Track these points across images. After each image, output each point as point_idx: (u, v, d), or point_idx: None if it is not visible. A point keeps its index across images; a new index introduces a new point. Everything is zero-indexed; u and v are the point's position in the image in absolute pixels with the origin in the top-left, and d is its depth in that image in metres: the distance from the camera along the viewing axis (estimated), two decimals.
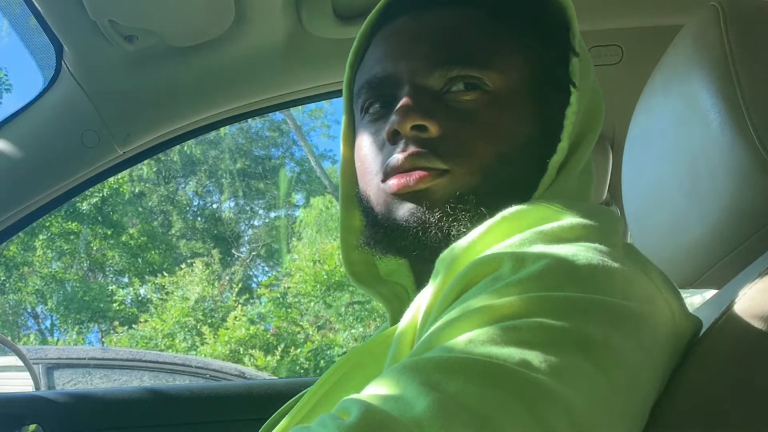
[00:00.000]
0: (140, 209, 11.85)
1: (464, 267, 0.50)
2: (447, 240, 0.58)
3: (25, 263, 10.52)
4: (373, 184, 0.64)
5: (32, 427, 1.24)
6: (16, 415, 1.24)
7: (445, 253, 0.54)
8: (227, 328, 8.60)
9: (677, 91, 0.66)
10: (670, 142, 0.67)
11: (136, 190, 11.84)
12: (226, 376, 3.63)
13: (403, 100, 0.61)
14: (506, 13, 0.64)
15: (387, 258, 0.68)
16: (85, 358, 3.63)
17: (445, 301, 0.49)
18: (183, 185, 12.97)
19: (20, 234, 4.08)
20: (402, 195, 0.60)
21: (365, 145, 0.65)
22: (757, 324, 0.47)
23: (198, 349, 8.70)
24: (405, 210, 0.60)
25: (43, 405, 1.27)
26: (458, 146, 0.60)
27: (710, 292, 0.70)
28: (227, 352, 8.43)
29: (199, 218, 12.92)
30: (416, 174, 0.59)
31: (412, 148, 0.60)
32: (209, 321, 9.15)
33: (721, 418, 0.46)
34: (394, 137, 0.61)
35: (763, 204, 0.57)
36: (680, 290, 0.56)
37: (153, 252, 11.40)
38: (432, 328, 0.47)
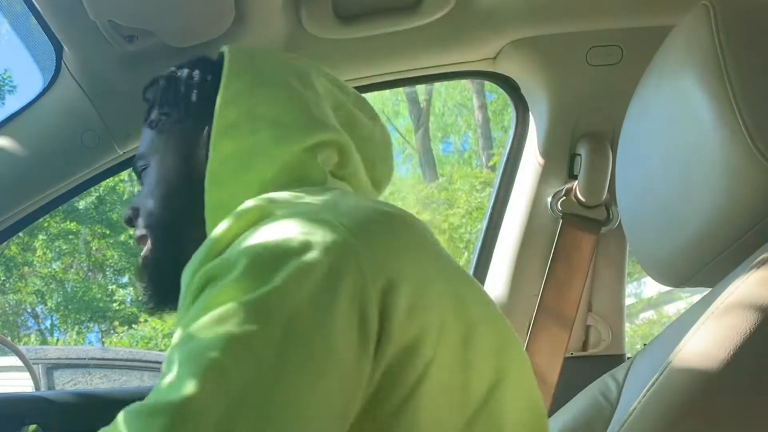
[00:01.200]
0: None
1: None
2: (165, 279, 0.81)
3: (25, 263, 10.53)
4: None
5: (32, 427, 1.24)
6: (16, 415, 1.24)
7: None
8: None
9: (669, 90, 0.66)
10: (663, 141, 0.67)
11: (136, 190, 11.84)
12: None
13: None
14: (154, 101, 0.90)
15: None
16: (85, 358, 3.63)
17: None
18: None
19: (20, 234, 4.08)
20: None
21: None
22: (747, 317, 0.47)
23: None
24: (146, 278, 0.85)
25: (43, 405, 1.27)
26: (142, 216, 0.85)
27: (706, 290, 0.70)
28: None
29: None
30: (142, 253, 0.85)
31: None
32: None
33: (707, 413, 0.46)
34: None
35: (755, 202, 0.57)
36: (676, 289, 0.57)
37: None
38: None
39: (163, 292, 0.80)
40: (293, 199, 0.66)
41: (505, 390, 0.59)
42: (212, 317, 0.52)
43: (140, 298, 0.84)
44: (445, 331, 0.57)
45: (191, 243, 0.71)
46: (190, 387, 0.48)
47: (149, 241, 0.83)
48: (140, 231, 0.84)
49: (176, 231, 0.80)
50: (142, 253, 0.83)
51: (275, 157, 0.74)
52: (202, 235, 0.71)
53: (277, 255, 0.55)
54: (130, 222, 0.86)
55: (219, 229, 0.64)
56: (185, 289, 0.64)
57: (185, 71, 0.87)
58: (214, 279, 0.57)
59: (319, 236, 0.56)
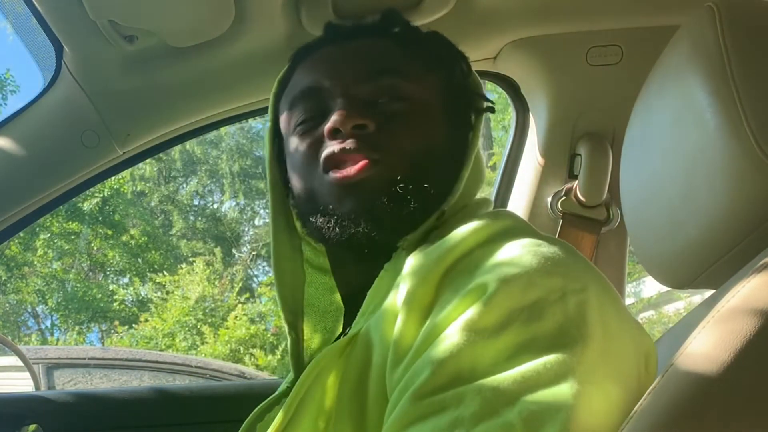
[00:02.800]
0: (141, 209, 11.85)
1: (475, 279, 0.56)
2: (386, 225, 0.67)
3: (25, 263, 10.53)
4: (314, 177, 0.72)
5: (32, 427, 1.24)
6: (16, 415, 1.24)
7: (422, 257, 0.61)
8: (228, 328, 8.60)
9: (674, 91, 0.66)
10: (667, 142, 0.67)
11: (137, 189, 11.84)
12: (226, 376, 3.62)
13: (341, 106, 0.71)
14: (413, 43, 0.78)
15: (320, 250, 0.80)
16: (85, 358, 3.63)
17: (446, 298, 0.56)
18: (183, 185, 12.97)
19: (20, 234, 4.08)
20: (346, 185, 0.68)
21: (303, 146, 0.73)
22: (750, 320, 0.47)
23: (198, 349, 8.70)
24: (352, 200, 0.68)
25: (43, 405, 1.27)
26: (390, 141, 0.70)
27: (708, 293, 0.70)
28: (227, 351, 8.42)
29: (199, 218, 12.92)
30: (358, 165, 0.68)
31: (351, 141, 0.69)
32: (210, 320, 9.15)
33: (709, 416, 0.46)
34: (334, 134, 0.70)
35: (759, 204, 0.57)
36: (678, 290, 0.57)
37: (154, 252, 11.41)
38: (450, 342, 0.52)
39: (363, 224, 0.68)
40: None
41: None
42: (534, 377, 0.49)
43: (332, 221, 0.69)
44: None
45: (432, 202, 0.70)
46: None
47: (382, 169, 0.68)
48: (371, 152, 0.69)
49: (423, 185, 0.70)
50: (359, 175, 0.68)
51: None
52: (437, 200, 0.70)
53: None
54: (358, 126, 0.70)
55: (464, 232, 0.61)
56: (417, 278, 0.58)
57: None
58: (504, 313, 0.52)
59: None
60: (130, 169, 9.12)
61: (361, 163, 0.68)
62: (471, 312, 0.52)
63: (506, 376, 0.48)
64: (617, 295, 0.59)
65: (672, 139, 0.66)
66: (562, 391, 0.47)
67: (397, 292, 0.59)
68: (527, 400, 0.47)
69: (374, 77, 0.73)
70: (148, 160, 10.09)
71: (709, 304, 0.64)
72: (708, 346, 0.48)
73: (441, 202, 0.70)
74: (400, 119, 0.71)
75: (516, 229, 0.63)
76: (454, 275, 0.58)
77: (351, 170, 0.68)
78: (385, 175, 0.68)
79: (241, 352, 8.44)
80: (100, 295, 10.66)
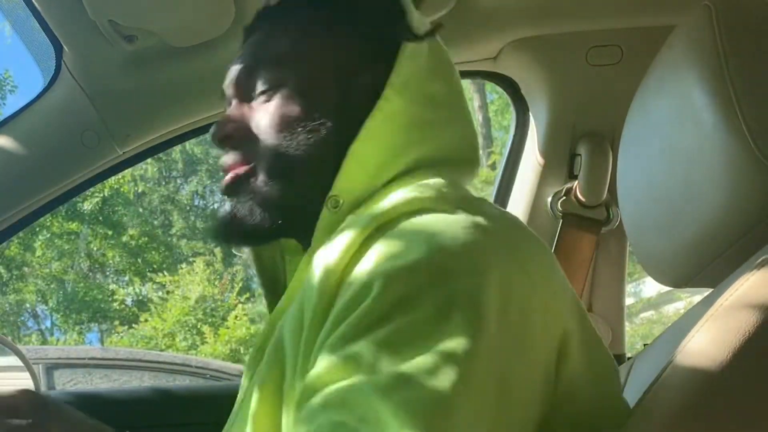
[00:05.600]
0: (141, 209, 11.86)
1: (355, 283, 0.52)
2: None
3: (25, 263, 10.53)
4: None
5: None
6: None
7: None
8: (228, 328, 8.61)
9: (671, 90, 0.66)
10: (665, 141, 0.67)
11: (139, 190, 11.84)
12: (226, 376, 3.63)
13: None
14: (301, 18, 0.73)
15: None
16: (85, 358, 3.63)
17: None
18: (184, 185, 12.98)
19: (20, 234, 4.08)
20: (224, 192, 0.70)
21: None
22: (747, 317, 0.47)
23: (198, 349, 8.71)
24: (229, 206, 0.69)
25: None
26: (258, 144, 0.68)
27: (706, 292, 0.70)
28: (228, 351, 8.43)
29: (199, 218, 12.92)
30: (228, 177, 0.69)
31: (226, 156, 0.71)
32: (210, 320, 9.16)
33: (708, 413, 0.46)
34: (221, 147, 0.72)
35: (757, 202, 0.57)
36: (676, 289, 0.57)
37: (153, 252, 11.41)
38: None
39: (255, 226, 0.67)
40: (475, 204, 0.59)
41: None
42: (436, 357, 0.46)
43: (219, 223, 0.70)
44: None
45: (309, 188, 0.65)
46: None
47: (262, 175, 0.68)
48: (247, 157, 0.69)
49: (305, 173, 0.67)
50: (239, 181, 0.69)
51: (441, 133, 0.67)
52: (324, 182, 0.64)
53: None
54: (227, 140, 0.71)
55: (383, 207, 0.57)
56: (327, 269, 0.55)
57: None
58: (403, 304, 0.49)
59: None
60: (130, 169, 9.13)
61: (230, 176, 0.71)
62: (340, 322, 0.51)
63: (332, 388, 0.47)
64: (540, 278, 0.54)
65: (669, 138, 0.66)
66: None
67: (303, 297, 0.57)
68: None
69: (244, 77, 0.73)
70: (148, 161, 10.10)
71: (706, 303, 0.64)
72: (706, 344, 0.48)
73: (323, 166, 0.65)
74: (269, 113, 0.69)
75: (424, 209, 0.56)
76: (348, 270, 0.54)
77: (225, 181, 0.71)
78: (253, 183, 0.69)
79: (241, 352, 8.44)
80: (100, 295, 10.66)
